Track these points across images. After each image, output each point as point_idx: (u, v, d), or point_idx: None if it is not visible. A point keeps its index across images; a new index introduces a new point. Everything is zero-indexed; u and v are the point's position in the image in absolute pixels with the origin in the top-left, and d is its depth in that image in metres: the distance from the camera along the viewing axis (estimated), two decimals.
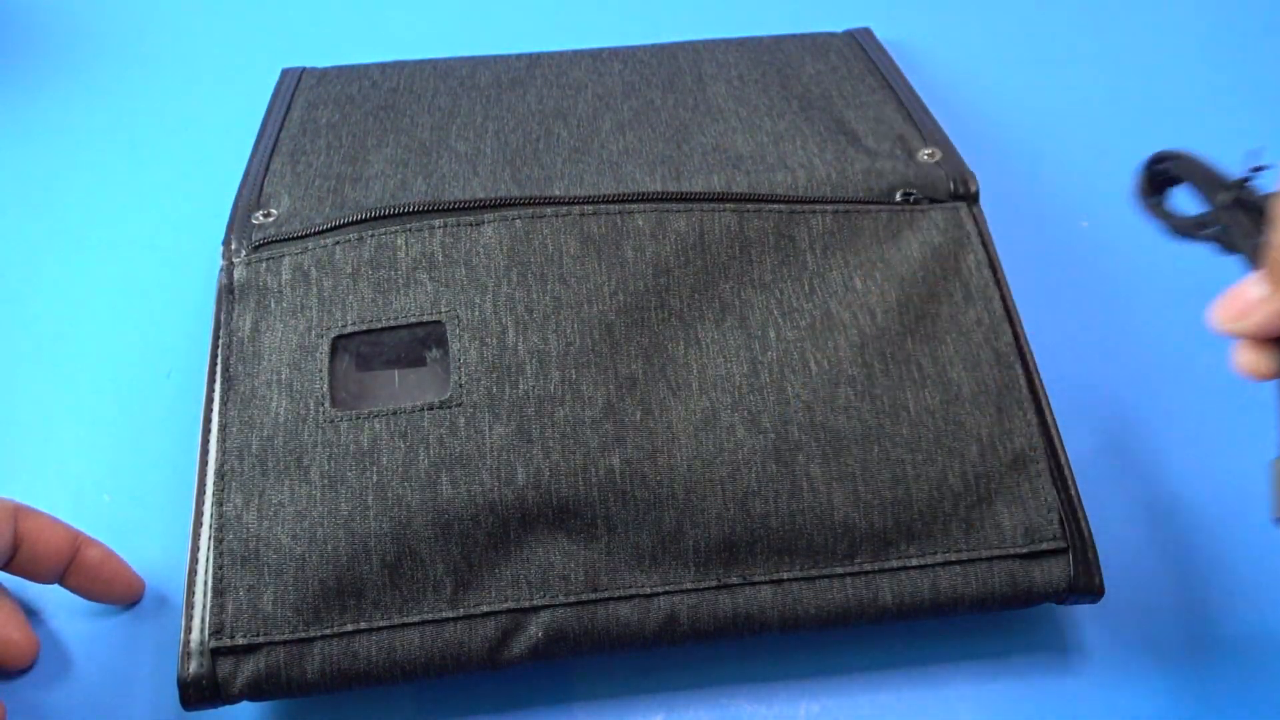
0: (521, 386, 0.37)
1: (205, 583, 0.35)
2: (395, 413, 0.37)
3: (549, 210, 0.41)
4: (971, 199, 0.44)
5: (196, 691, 0.34)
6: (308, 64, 0.55)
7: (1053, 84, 0.58)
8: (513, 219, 0.40)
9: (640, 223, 0.41)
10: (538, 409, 0.37)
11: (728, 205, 0.42)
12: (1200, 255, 0.50)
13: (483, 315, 0.38)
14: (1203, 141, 0.55)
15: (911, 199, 0.43)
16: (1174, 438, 0.44)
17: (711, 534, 0.36)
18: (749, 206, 0.42)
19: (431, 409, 0.37)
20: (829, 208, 0.42)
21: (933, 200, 0.43)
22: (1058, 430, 0.38)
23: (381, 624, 0.34)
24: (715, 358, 0.39)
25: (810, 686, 0.38)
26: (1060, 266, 0.50)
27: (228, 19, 0.64)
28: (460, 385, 0.37)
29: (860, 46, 0.54)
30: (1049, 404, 0.39)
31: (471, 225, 0.40)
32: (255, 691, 0.34)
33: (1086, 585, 0.36)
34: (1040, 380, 0.39)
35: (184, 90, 0.60)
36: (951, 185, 0.44)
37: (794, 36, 0.55)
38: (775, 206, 0.42)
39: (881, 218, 0.42)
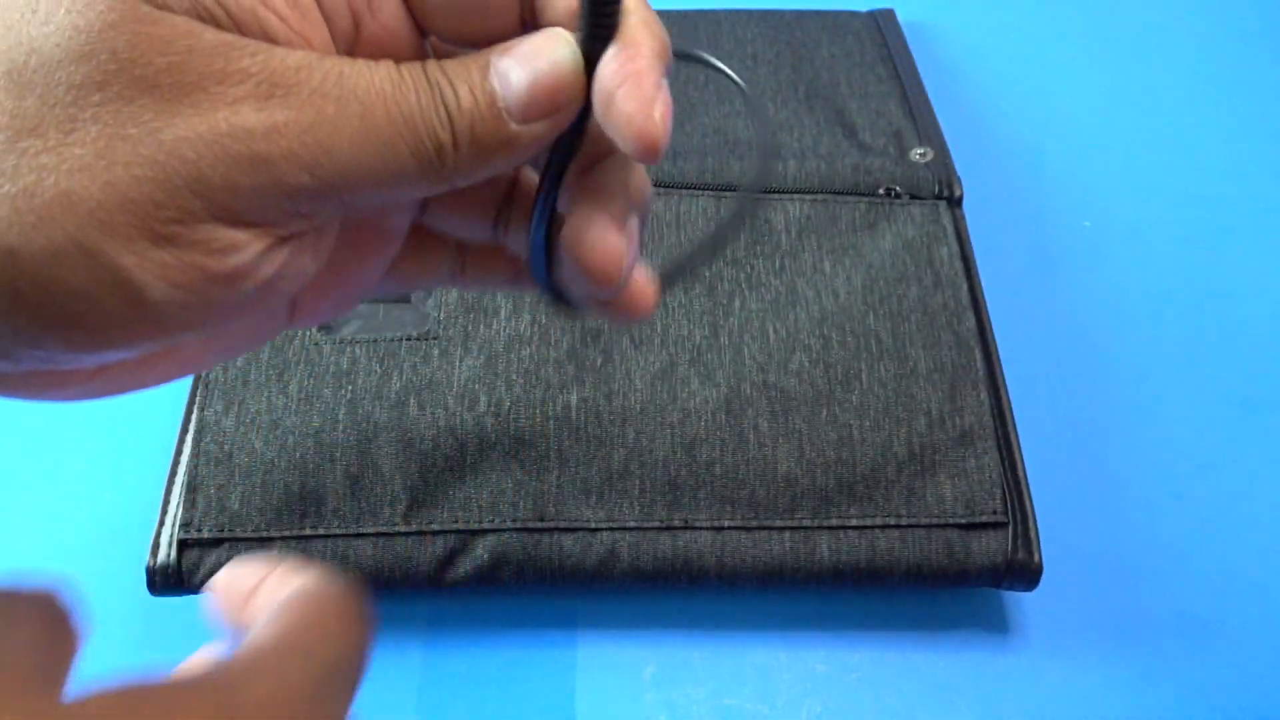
0: (494, 326, 0.39)
1: (182, 482, 0.37)
2: (375, 340, 0.39)
3: None
4: (955, 201, 0.45)
5: (163, 578, 0.36)
6: None
7: (1057, 83, 0.58)
8: None
9: None
10: (506, 346, 0.39)
11: (707, 191, 0.44)
12: (1201, 256, 0.49)
13: None
14: (1202, 140, 0.54)
15: (893, 195, 0.45)
16: (1154, 443, 0.44)
17: (657, 476, 0.37)
18: (726, 195, 0.44)
19: (410, 339, 0.39)
20: (808, 197, 0.44)
21: (914, 197, 0.45)
22: (1012, 414, 0.39)
23: (338, 531, 0.36)
24: (680, 319, 0.41)
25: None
26: (1062, 266, 0.50)
27: None
28: (439, 321, 0.40)
29: (879, 29, 0.55)
30: (1006, 389, 0.40)
31: None
32: None
33: (1025, 562, 0.36)
34: (1000, 366, 0.40)
35: None
36: (937, 187, 0.45)
37: (817, 14, 0.56)
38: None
39: (860, 208, 0.44)
